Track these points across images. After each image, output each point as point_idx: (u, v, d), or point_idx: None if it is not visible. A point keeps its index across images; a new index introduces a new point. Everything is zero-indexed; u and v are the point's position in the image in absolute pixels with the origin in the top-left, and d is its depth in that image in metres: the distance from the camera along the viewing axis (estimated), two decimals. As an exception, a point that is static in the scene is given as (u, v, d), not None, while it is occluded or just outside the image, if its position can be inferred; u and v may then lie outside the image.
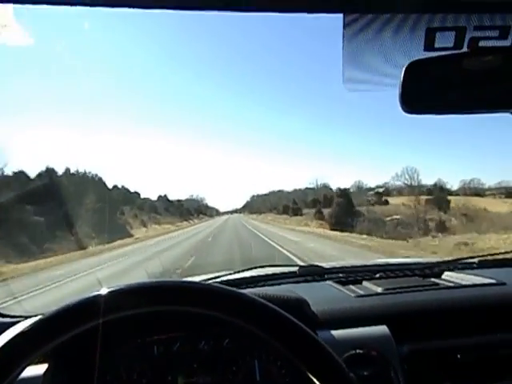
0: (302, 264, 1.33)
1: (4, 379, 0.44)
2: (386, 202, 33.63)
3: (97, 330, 0.49)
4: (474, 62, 0.62)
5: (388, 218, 25.95)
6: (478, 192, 37.95)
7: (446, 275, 1.17)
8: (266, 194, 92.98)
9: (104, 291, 0.49)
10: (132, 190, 49.69)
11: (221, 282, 1.12)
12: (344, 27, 0.59)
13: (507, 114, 0.67)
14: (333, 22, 0.59)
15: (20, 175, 22.55)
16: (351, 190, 44.44)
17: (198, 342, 0.81)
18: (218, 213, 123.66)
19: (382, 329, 0.83)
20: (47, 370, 0.73)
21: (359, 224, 24.76)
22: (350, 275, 1.19)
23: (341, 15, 0.56)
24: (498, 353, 0.83)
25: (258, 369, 0.80)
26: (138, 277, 7.49)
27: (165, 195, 65.93)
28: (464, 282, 1.06)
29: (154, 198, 62.84)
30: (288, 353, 0.48)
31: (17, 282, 9.77)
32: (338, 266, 1.39)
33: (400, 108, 0.65)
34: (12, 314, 0.97)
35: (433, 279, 1.13)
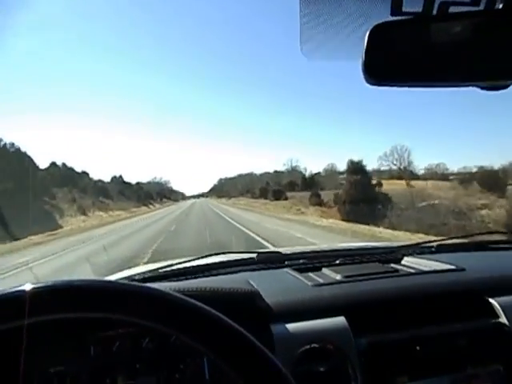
0: (260, 250, 1.25)
1: None
2: (380, 185, 27.70)
3: (20, 330, 0.43)
4: (443, 28, 0.58)
5: (423, 203, 19.25)
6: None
7: (406, 260, 1.16)
8: (233, 178, 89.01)
9: (28, 286, 0.44)
10: (79, 170, 41.45)
11: (174, 271, 1.08)
12: None
13: (475, 88, 0.62)
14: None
15: None
16: (322, 174, 43.68)
17: (140, 340, 0.73)
18: (183, 197, 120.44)
19: (339, 320, 0.79)
20: None
21: (384, 213, 17.79)
22: (309, 262, 1.16)
23: None
24: (457, 342, 0.81)
25: (207, 367, 0.73)
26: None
27: (120, 176, 57.17)
28: (423, 268, 1.05)
29: (107, 179, 53.88)
30: (212, 354, 0.45)
31: None
32: (297, 251, 1.36)
33: (363, 79, 0.59)
34: None
35: (392, 265, 1.12)
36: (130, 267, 1.45)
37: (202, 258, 1.20)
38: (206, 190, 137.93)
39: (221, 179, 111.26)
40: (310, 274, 1.04)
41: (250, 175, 73.92)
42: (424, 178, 34.99)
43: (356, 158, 27.31)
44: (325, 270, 1.06)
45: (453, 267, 1.02)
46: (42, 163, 36.77)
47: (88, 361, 0.72)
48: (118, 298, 0.46)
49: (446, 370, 0.79)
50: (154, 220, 23.33)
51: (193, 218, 21.32)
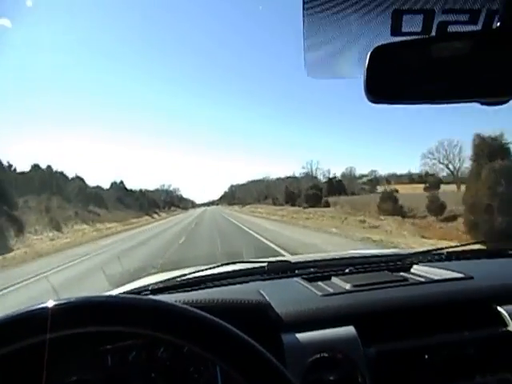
0: (271, 259, 1.28)
1: None
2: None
3: (42, 344, 0.45)
4: (443, 47, 0.59)
5: None
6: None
7: (415, 269, 1.16)
8: (245, 184, 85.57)
9: (50, 303, 0.46)
10: (72, 175, 35.90)
11: (187, 280, 1.10)
12: (304, 8, 0.56)
13: (475, 104, 0.63)
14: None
15: None
16: (340, 179, 40.71)
17: (156, 350, 0.76)
18: (193, 205, 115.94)
19: (348, 330, 0.80)
20: None
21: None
22: (319, 271, 1.18)
23: None
24: (466, 351, 0.82)
25: (220, 375, 0.75)
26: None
27: (121, 182, 50.34)
28: (433, 277, 1.05)
29: (106, 185, 47.14)
30: (224, 364, 0.46)
31: None
32: (307, 259, 1.38)
33: (364, 97, 0.61)
34: None
35: (402, 273, 1.12)
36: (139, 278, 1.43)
37: (214, 267, 1.23)
38: (217, 197, 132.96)
39: (231, 186, 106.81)
40: (320, 284, 1.05)
41: (264, 181, 67.36)
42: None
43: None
44: (334, 279, 1.07)
45: (461, 275, 1.02)
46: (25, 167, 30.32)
47: (106, 370, 0.75)
48: (131, 312, 0.48)
49: (455, 379, 0.79)
50: (148, 236, 17.80)
51: (205, 223, 15.90)
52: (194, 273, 1.16)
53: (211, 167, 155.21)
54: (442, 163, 29.02)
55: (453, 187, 25.09)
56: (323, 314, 0.85)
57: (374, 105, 0.62)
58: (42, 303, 0.46)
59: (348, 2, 0.56)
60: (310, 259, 1.37)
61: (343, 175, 43.31)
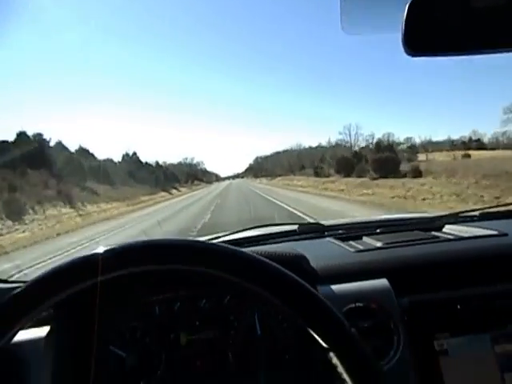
0: (302, 222, 1.26)
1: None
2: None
3: (96, 290, 0.49)
4: None
5: None
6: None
7: (447, 228, 1.16)
8: (272, 155, 79.30)
9: (101, 249, 0.48)
10: (76, 147, 29.43)
11: (221, 242, 1.04)
12: None
13: None
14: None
15: None
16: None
17: (198, 301, 0.82)
18: (217, 178, 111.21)
19: (381, 282, 0.82)
20: (49, 331, 0.73)
21: None
22: (350, 231, 1.19)
23: None
24: (497, 303, 0.83)
25: (258, 324, 0.81)
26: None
27: (134, 154, 43.63)
28: (465, 235, 1.06)
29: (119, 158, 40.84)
30: (288, 309, 0.48)
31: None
32: (337, 223, 1.36)
33: (403, 50, 0.60)
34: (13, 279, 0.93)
35: (433, 232, 1.12)
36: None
37: (246, 230, 1.24)
38: (241, 170, 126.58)
39: (257, 158, 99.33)
40: (352, 242, 1.06)
41: (295, 150, 59.18)
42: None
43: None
44: (365, 239, 1.08)
45: (494, 232, 1.02)
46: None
47: (154, 319, 0.81)
48: (219, 256, 0.50)
49: (487, 328, 0.80)
50: (169, 214, 14.08)
51: (231, 200, 14.98)
52: (226, 235, 1.18)
53: (235, 139, 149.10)
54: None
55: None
56: (356, 267, 0.87)
57: (412, 58, 0.61)
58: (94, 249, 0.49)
59: None
60: (340, 222, 1.36)
61: (380, 142, 37.93)
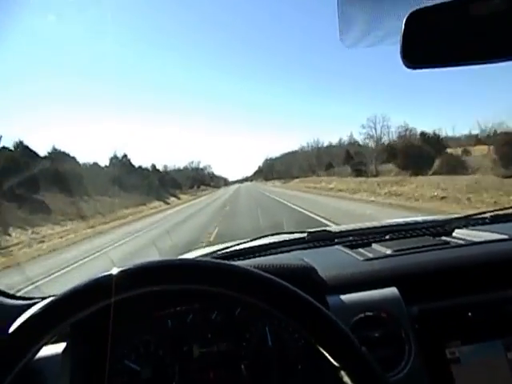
0: (310, 230, 1.25)
1: (21, 359, 0.46)
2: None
3: (109, 308, 0.50)
4: (481, 7, 0.57)
5: None
6: None
7: (457, 233, 1.14)
8: (280, 157, 75.93)
9: (115, 271, 0.50)
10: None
11: (231, 252, 1.11)
12: None
13: None
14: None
15: None
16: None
17: (210, 313, 0.83)
18: (226, 182, 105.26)
19: (391, 291, 0.82)
20: (65, 348, 0.74)
21: None
22: (359, 238, 1.17)
23: None
24: (509, 309, 0.81)
25: (269, 335, 0.81)
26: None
27: (124, 156, 36.72)
28: (475, 239, 1.04)
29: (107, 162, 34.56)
30: (295, 324, 0.49)
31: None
32: (346, 229, 1.34)
33: (401, 62, 0.60)
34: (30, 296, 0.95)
35: (443, 238, 1.11)
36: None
37: (255, 239, 1.22)
38: (250, 173, 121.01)
39: (267, 160, 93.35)
40: (361, 250, 1.05)
41: (312, 149, 52.70)
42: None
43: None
44: (375, 246, 1.07)
45: (505, 237, 1.00)
46: None
47: (167, 332, 0.82)
48: (222, 275, 0.51)
49: (499, 335, 0.79)
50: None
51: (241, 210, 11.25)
52: (235, 245, 1.16)
53: (243, 142, 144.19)
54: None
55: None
56: (366, 276, 0.86)
57: (411, 70, 0.60)
58: (107, 270, 0.50)
59: None
60: (349, 228, 1.34)
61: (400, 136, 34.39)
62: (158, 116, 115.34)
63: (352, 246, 1.08)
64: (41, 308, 0.48)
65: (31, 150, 22.47)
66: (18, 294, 0.94)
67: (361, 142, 37.88)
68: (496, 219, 1.20)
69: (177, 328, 0.81)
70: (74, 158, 29.67)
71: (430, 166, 20.32)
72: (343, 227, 1.43)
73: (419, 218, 1.46)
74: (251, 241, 1.21)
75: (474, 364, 0.75)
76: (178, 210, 22.56)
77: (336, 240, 1.17)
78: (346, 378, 0.47)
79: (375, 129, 35.86)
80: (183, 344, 0.80)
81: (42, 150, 26.39)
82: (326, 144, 50.96)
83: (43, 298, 0.93)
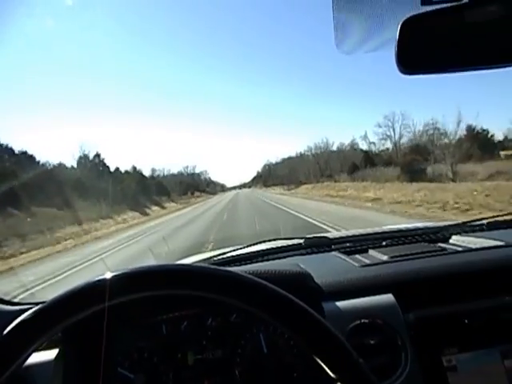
0: (308, 236, 1.24)
1: (10, 364, 0.45)
2: None
3: (103, 314, 0.49)
4: (476, 13, 0.57)
5: None
6: None
7: (454, 239, 1.14)
8: (281, 162, 73.13)
9: (109, 275, 0.49)
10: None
11: (228, 258, 1.10)
12: None
13: None
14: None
15: None
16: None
17: (205, 319, 0.82)
18: (223, 188, 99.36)
19: (387, 297, 0.82)
20: (58, 354, 0.73)
21: None
22: (356, 244, 1.16)
23: None
24: (505, 316, 0.81)
25: (264, 341, 0.81)
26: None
27: (96, 156, 30.17)
28: (471, 246, 1.04)
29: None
30: (288, 331, 0.49)
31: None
32: (343, 235, 1.35)
33: (396, 68, 0.60)
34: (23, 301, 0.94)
35: (440, 244, 1.10)
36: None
37: (253, 245, 1.22)
38: (249, 179, 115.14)
39: (266, 165, 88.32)
40: (357, 256, 1.05)
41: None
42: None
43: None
44: (371, 252, 1.07)
45: (501, 243, 1.00)
46: None
47: (161, 338, 0.81)
48: (216, 281, 0.50)
49: (496, 342, 0.78)
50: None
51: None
52: (232, 251, 1.16)
53: (241, 148, 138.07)
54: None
55: None
56: (362, 283, 0.85)
57: (405, 76, 0.60)
58: (101, 275, 0.49)
59: None
60: (346, 235, 1.34)
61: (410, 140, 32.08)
62: (152, 119, 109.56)
63: (349, 253, 1.09)
64: (31, 313, 0.47)
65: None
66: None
67: (376, 143, 34.77)
68: (492, 226, 1.21)
69: (171, 334, 0.81)
70: (31, 157, 23.35)
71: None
72: (340, 233, 1.45)
73: (417, 225, 1.45)
74: (248, 246, 1.21)
75: (471, 372, 0.75)
76: (151, 227, 16.06)
77: (333, 246, 1.17)
78: None
79: (393, 128, 31.91)
80: (177, 351, 0.79)
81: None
82: (336, 145, 44.61)
83: (41, 304, 0.84)
